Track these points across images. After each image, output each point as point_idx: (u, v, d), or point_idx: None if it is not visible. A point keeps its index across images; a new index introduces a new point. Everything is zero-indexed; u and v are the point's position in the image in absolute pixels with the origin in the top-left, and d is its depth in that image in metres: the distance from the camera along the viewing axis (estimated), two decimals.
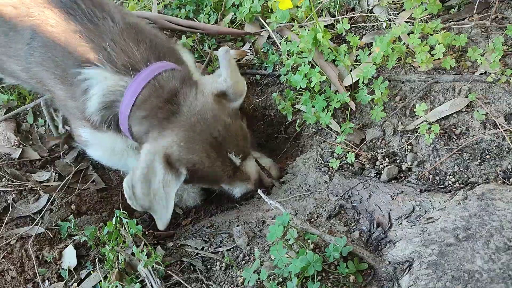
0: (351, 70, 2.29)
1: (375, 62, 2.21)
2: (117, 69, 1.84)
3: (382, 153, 2.12)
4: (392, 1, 2.47)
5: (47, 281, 2.01)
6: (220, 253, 1.98)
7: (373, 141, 2.19)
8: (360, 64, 2.29)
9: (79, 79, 1.87)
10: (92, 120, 1.96)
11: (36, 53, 1.96)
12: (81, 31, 1.87)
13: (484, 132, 1.99)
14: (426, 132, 2.04)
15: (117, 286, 1.82)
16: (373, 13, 2.51)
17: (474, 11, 2.27)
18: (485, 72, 2.09)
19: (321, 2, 2.52)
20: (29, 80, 2.18)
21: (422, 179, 1.97)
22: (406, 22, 2.29)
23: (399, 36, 2.22)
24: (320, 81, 2.26)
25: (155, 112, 1.85)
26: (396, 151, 2.11)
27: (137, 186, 1.84)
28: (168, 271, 1.88)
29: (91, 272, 2.00)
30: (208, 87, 1.94)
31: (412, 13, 2.22)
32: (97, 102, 1.88)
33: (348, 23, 2.39)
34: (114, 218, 1.93)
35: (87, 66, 1.85)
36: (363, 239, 1.87)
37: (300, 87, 2.32)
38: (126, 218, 1.93)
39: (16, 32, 2.00)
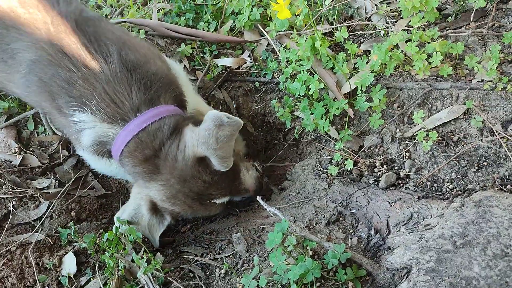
0: (349, 78, 2.31)
1: (373, 70, 2.23)
2: (107, 118, 1.88)
3: (380, 160, 2.13)
4: (390, 9, 2.49)
5: (47, 287, 2.02)
6: (219, 259, 1.99)
7: (372, 148, 2.21)
8: (358, 71, 2.30)
9: (72, 120, 1.92)
10: (87, 151, 2.06)
11: (33, 87, 1.96)
12: (75, 73, 1.86)
13: (481, 139, 2.01)
14: (424, 139, 2.05)
15: None
16: (371, 21, 2.53)
17: (471, 19, 2.29)
18: (482, 80, 2.11)
19: (320, 10, 2.54)
20: (31, 102, 2.28)
21: (420, 186, 1.99)
22: (404, 30, 2.31)
23: (397, 44, 2.23)
24: (318, 89, 2.28)
25: (140, 165, 1.93)
26: (394, 158, 2.13)
27: (131, 221, 2.04)
28: (168, 278, 1.89)
29: (91, 279, 2.00)
30: (190, 149, 1.90)
31: (410, 21, 2.24)
32: (90, 141, 1.95)
33: (347, 31, 2.41)
34: (114, 225, 1.94)
35: (79, 110, 1.88)
36: (362, 245, 1.88)
37: (299, 95, 2.34)
38: (125, 225, 1.94)
39: (14, 60, 1.98)
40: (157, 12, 3.03)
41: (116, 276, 1.88)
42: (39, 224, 2.24)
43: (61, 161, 2.61)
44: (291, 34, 2.55)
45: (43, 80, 1.91)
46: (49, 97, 1.94)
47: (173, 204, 2.01)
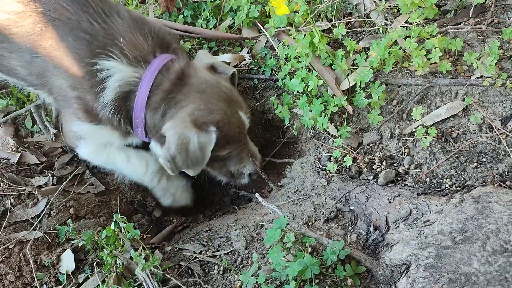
0: (348, 74, 2.31)
1: (372, 66, 2.23)
2: (131, 62, 2.04)
3: (379, 156, 2.13)
4: (389, 6, 2.48)
5: (45, 285, 2.01)
6: (218, 257, 1.98)
7: (370, 145, 2.20)
8: (357, 68, 2.30)
9: (94, 69, 2.01)
10: (101, 112, 2.08)
11: (45, 44, 2.07)
12: (96, 28, 2.04)
13: (481, 136, 2.00)
14: (423, 135, 2.05)
15: None
16: (370, 17, 2.53)
17: (470, 16, 2.29)
18: (481, 76, 2.11)
19: (318, 7, 2.53)
20: (27, 77, 2.26)
21: (419, 182, 1.98)
22: (403, 26, 2.30)
23: (396, 40, 2.23)
24: (317, 85, 2.27)
25: (170, 92, 2.05)
26: (393, 154, 2.12)
27: (177, 157, 2.01)
28: (166, 275, 1.89)
29: (89, 276, 1.99)
30: (200, 66, 2.20)
31: (409, 17, 2.24)
32: (113, 92, 2.04)
33: (345, 27, 2.40)
34: (113, 223, 1.93)
35: (104, 57, 2.01)
36: (361, 242, 1.87)
37: (298, 91, 2.33)
38: (124, 222, 1.93)
39: (24, 23, 2.09)
40: (158, 10, 3.02)
41: (115, 273, 1.87)
42: (37, 221, 2.23)
43: (58, 158, 2.60)
44: (290, 31, 2.54)
45: (60, 36, 2.04)
46: (64, 53, 2.04)
47: (211, 112, 2.05)
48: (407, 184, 1.98)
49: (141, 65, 2.06)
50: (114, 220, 1.93)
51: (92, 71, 2.01)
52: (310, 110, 2.31)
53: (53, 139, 2.66)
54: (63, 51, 2.05)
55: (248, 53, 2.79)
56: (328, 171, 2.17)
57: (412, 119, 2.13)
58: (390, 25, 2.39)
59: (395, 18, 2.43)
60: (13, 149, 2.57)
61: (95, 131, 2.21)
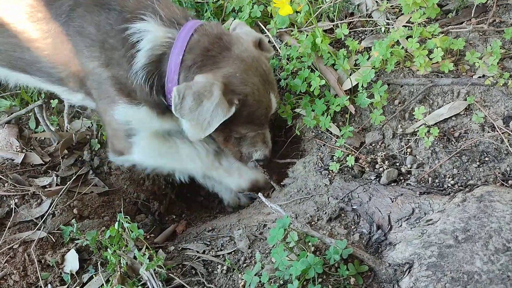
0: (350, 74, 2.31)
1: (374, 66, 2.23)
2: (164, 22, 2.00)
3: (381, 156, 2.13)
4: (391, 6, 2.49)
5: (49, 285, 2.02)
6: (221, 256, 1.99)
7: (373, 144, 2.21)
8: (359, 68, 2.31)
9: (126, 34, 1.97)
10: (135, 81, 2.01)
11: (75, 23, 2.04)
12: None
13: (483, 135, 2.01)
14: (425, 135, 2.06)
15: None
16: (372, 17, 2.53)
17: (472, 15, 2.29)
18: (483, 75, 2.11)
19: (321, 7, 2.54)
20: (53, 69, 2.17)
21: (421, 182, 1.99)
22: (405, 26, 2.31)
23: (398, 40, 2.24)
24: (319, 85, 2.28)
25: (208, 50, 1.98)
26: (396, 154, 2.13)
27: (188, 99, 1.87)
28: (170, 274, 1.89)
29: (93, 276, 2.01)
30: (245, 36, 2.12)
31: (411, 17, 2.24)
32: (145, 55, 1.98)
33: (347, 28, 2.41)
34: (116, 222, 1.94)
35: (135, 21, 1.97)
36: (363, 241, 1.88)
37: (300, 91, 2.34)
38: (127, 222, 1.94)
39: (50, 6, 2.06)
40: None
41: (119, 273, 1.88)
42: (42, 221, 2.24)
43: (65, 159, 2.62)
44: (292, 31, 2.55)
45: (90, 12, 2.02)
46: (95, 29, 2.01)
47: (244, 82, 1.97)
48: (410, 184, 1.99)
49: (175, 26, 2.01)
50: (118, 220, 1.94)
51: (124, 38, 1.98)
52: (313, 110, 2.32)
53: (68, 128, 2.65)
54: (95, 26, 2.01)
55: None
56: (330, 171, 2.18)
57: (414, 118, 2.14)
58: (392, 25, 2.40)
59: (397, 18, 2.44)
60: (18, 150, 2.58)
61: (136, 114, 2.13)
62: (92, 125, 2.73)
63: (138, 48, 1.97)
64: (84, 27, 2.03)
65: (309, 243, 1.78)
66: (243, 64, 1.99)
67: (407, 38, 2.20)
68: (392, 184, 2.03)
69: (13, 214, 2.27)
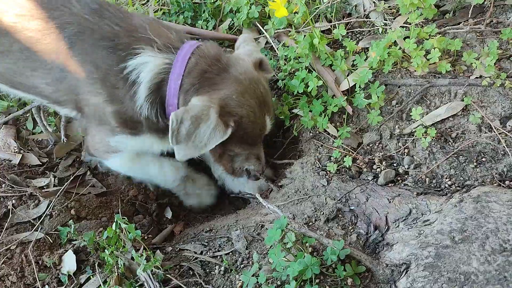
0: (347, 75, 2.32)
1: (371, 67, 2.24)
2: (160, 49, 2.00)
3: (379, 156, 2.13)
4: (388, 7, 2.49)
5: (47, 286, 2.02)
6: (219, 257, 1.99)
7: (370, 145, 2.21)
8: (356, 68, 2.31)
9: (125, 73, 1.97)
10: (139, 115, 2.03)
11: (74, 59, 2.04)
12: (117, 30, 2.01)
13: (480, 135, 2.01)
14: (423, 135, 2.06)
15: None
16: (369, 18, 2.54)
17: (469, 16, 2.29)
18: (480, 76, 2.12)
19: (318, 7, 2.55)
20: (53, 94, 2.20)
21: (418, 182, 1.99)
22: (402, 27, 2.31)
23: (395, 40, 2.24)
24: (317, 86, 2.28)
25: (205, 72, 1.99)
26: (393, 154, 2.13)
27: (186, 123, 1.88)
28: (167, 275, 1.89)
29: (91, 277, 2.00)
30: (246, 57, 2.14)
31: (408, 18, 2.25)
32: (145, 87, 1.98)
33: (345, 28, 2.41)
34: (114, 223, 1.94)
35: (131, 57, 1.97)
36: (361, 242, 1.88)
37: (298, 92, 2.34)
38: (125, 223, 1.94)
39: (49, 40, 2.05)
40: (157, 11, 3.03)
41: (116, 273, 1.88)
42: (39, 222, 2.24)
43: (63, 160, 2.62)
44: (290, 32, 2.55)
45: (86, 51, 2.01)
46: (93, 67, 2.01)
47: (241, 104, 1.98)
48: (407, 184, 1.99)
49: (171, 50, 2.01)
50: (115, 220, 1.94)
51: (124, 77, 1.98)
52: (310, 111, 2.32)
53: (64, 141, 2.67)
54: (94, 64, 2.02)
55: None
56: (328, 171, 2.18)
57: (412, 119, 2.14)
58: (390, 26, 2.41)
59: (394, 19, 2.45)
60: (15, 151, 2.58)
61: (136, 142, 2.18)
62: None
63: (138, 83, 1.98)
64: (84, 65, 2.03)
65: (307, 244, 1.78)
66: (240, 86, 2.00)
67: (404, 38, 2.20)
68: (390, 185, 2.03)
69: (10, 215, 2.27)
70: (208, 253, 2.03)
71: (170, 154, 2.38)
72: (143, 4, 3.18)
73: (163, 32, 2.06)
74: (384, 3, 2.46)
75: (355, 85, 2.26)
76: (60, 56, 2.05)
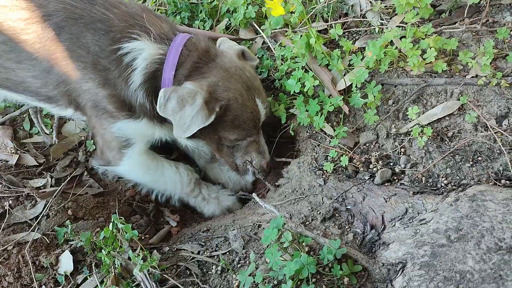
0: (344, 74, 2.32)
1: (368, 66, 2.24)
2: (155, 39, 2.05)
3: (375, 156, 2.14)
4: (384, 6, 2.50)
5: (44, 286, 2.02)
6: (216, 257, 2.00)
7: (367, 144, 2.21)
8: (353, 68, 2.31)
9: (119, 55, 2.01)
10: (134, 99, 2.07)
11: (62, 46, 2.04)
12: (109, 15, 2.04)
13: (476, 135, 2.01)
14: (419, 135, 2.06)
15: None
16: (366, 18, 2.54)
17: (465, 15, 2.30)
18: (476, 75, 2.12)
19: (315, 7, 2.55)
20: (41, 88, 2.19)
21: (415, 182, 1.99)
22: (398, 26, 2.32)
23: (392, 40, 2.25)
24: (313, 86, 2.28)
25: (196, 64, 2.08)
26: (390, 154, 2.14)
27: (172, 101, 1.98)
28: (164, 275, 1.89)
29: (88, 277, 2.01)
30: (228, 50, 2.25)
31: (404, 17, 2.25)
32: (141, 74, 2.04)
33: (341, 28, 2.42)
34: (111, 223, 1.94)
35: (126, 41, 2.01)
36: (357, 241, 1.89)
37: (294, 92, 2.34)
38: (122, 223, 1.94)
39: (33, 30, 2.05)
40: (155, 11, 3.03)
41: (113, 273, 1.88)
42: (36, 223, 2.24)
43: (60, 160, 2.62)
44: (286, 31, 2.55)
45: (77, 34, 2.02)
46: (84, 51, 2.02)
47: (227, 89, 2.07)
48: (403, 183, 2.00)
49: (165, 41, 2.07)
50: (112, 221, 1.94)
51: (117, 58, 2.02)
52: (307, 110, 2.32)
53: (56, 142, 2.66)
54: (84, 48, 2.02)
55: None
56: (325, 171, 2.18)
57: (408, 118, 2.15)
58: (386, 25, 2.41)
59: (390, 18, 2.45)
60: (12, 151, 2.58)
61: (136, 128, 2.19)
62: (87, 126, 2.73)
63: (133, 67, 2.02)
64: (73, 50, 2.04)
65: (303, 243, 1.79)
66: (226, 73, 2.10)
67: (400, 38, 2.21)
68: (386, 184, 2.03)
69: (7, 215, 2.27)
70: (205, 253, 2.03)
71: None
72: None
73: (157, 22, 2.11)
74: (381, 3, 2.47)
75: (351, 84, 2.26)
76: (47, 44, 2.04)
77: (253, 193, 2.05)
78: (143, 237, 2.29)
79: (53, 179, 2.49)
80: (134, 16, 2.07)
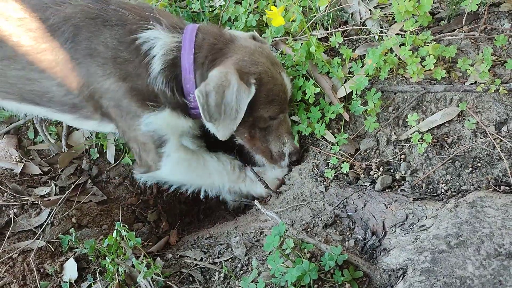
0: (344, 82, 2.34)
1: (368, 74, 2.26)
2: (168, 29, 2.13)
3: (376, 162, 2.16)
4: (384, 14, 2.52)
5: None
6: (218, 263, 2.01)
7: (367, 151, 2.23)
8: (353, 75, 2.34)
9: (137, 44, 2.07)
10: (155, 86, 2.10)
11: (81, 46, 2.08)
12: (123, 11, 2.12)
13: (475, 141, 2.03)
14: (419, 141, 2.08)
15: None
16: (366, 26, 2.57)
17: (463, 23, 2.32)
18: (475, 82, 2.14)
19: (315, 16, 2.58)
20: (65, 97, 2.19)
21: (415, 188, 2.01)
22: (398, 34, 2.34)
23: (391, 48, 2.27)
24: (314, 93, 2.31)
25: (214, 46, 2.13)
26: (390, 160, 2.16)
27: (211, 95, 2.01)
28: (168, 282, 1.92)
29: (92, 284, 2.03)
30: (240, 34, 2.31)
31: (403, 25, 2.27)
32: (160, 61, 2.08)
33: (341, 36, 2.44)
34: (114, 231, 1.96)
35: (143, 31, 2.09)
36: (358, 247, 1.90)
37: (295, 99, 2.37)
38: (125, 230, 1.96)
39: (52, 36, 2.09)
40: None
41: (117, 281, 1.90)
42: (40, 231, 2.27)
43: (65, 169, 2.64)
44: (287, 40, 2.58)
45: (95, 32, 2.08)
46: (103, 47, 2.07)
47: (254, 63, 2.11)
48: (404, 190, 2.01)
49: (178, 30, 2.14)
50: (116, 228, 1.96)
51: (136, 48, 2.07)
52: (308, 118, 2.35)
53: (65, 151, 2.68)
54: (103, 44, 2.07)
55: None
56: (326, 178, 2.20)
57: (408, 125, 2.17)
58: (385, 33, 2.43)
59: (390, 26, 2.47)
60: (17, 160, 2.61)
61: (161, 118, 2.18)
62: (91, 135, 2.76)
63: (152, 55, 2.08)
64: (92, 48, 2.08)
65: (305, 250, 1.80)
66: (248, 50, 2.15)
67: (400, 46, 2.23)
68: (387, 191, 2.05)
69: (12, 223, 2.30)
70: (208, 259, 2.05)
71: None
72: None
73: (167, 14, 2.22)
74: (380, 11, 2.50)
75: (351, 92, 2.29)
76: (67, 47, 2.08)
77: (255, 200, 2.07)
78: (146, 244, 2.31)
79: (58, 187, 2.51)
80: (146, 9, 2.17)
